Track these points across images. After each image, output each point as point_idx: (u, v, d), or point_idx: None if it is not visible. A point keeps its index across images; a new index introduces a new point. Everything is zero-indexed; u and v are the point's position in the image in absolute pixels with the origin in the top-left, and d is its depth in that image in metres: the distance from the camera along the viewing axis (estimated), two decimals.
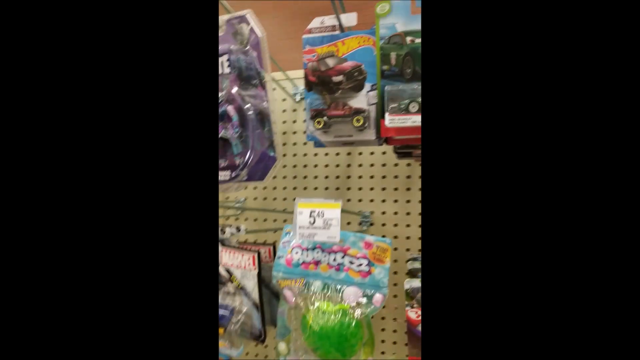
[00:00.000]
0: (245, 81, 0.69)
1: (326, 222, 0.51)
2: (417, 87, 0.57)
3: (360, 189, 0.92)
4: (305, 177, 0.96)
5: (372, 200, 0.91)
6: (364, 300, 0.59)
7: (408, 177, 0.89)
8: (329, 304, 0.59)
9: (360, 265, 0.59)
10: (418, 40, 0.59)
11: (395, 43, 0.60)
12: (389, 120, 0.57)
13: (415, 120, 0.56)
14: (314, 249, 0.62)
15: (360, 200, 0.92)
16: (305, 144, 0.96)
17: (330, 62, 0.65)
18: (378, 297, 0.58)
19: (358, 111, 0.62)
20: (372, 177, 0.91)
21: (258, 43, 0.68)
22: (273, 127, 0.71)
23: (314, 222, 0.52)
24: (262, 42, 0.68)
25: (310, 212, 0.52)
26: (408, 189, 0.89)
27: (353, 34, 0.65)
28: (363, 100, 0.63)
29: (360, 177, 0.92)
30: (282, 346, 0.62)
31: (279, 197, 0.99)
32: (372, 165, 0.91)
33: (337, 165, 0.94)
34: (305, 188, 0.96)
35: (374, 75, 0.63)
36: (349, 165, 0.94)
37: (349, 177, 0.93)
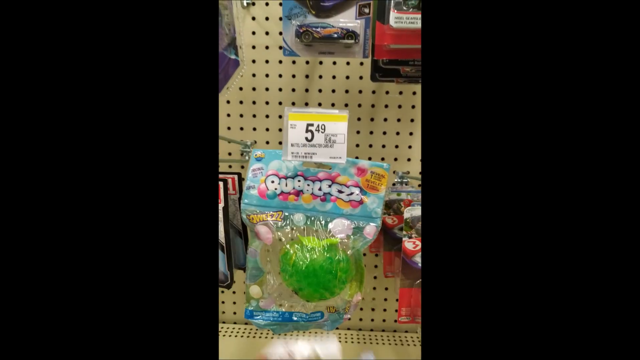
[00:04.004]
0: None
1: (329, 138, 0.41)
2: None
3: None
4: (267, 89, 0.81)
5: None
6: (353, 233, 0.52)
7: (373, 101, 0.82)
8: (315, 239, 0.51)
9: (351, 194, 0.51)
10: None
11: None
12: (396, 19, 0.47)
13: None
14: (294, 176, 0.51)
15: None
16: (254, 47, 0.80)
17: None
18: (370, 228, 0.52)
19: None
20: (333, 104, 0.82)
21: None
22: (235, 24, 0.55)
23: (311, 137, 0.41)
24: None
25: (307, 126, 0.41)
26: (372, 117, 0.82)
27: None
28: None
29: (320, 90, 0.81)
30: (255, 289, 0.53)
31: (233, 115, 0.83)
32: (333, 91, 0.81)
33: (306, 77, 0.81)
34: (267, 102, 0.82)
35: None
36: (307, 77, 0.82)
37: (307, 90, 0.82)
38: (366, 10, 0.56)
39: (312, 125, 0.41)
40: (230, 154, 0.85)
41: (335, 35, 0.56)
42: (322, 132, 0.41)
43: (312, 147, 0.42)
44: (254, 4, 0.78)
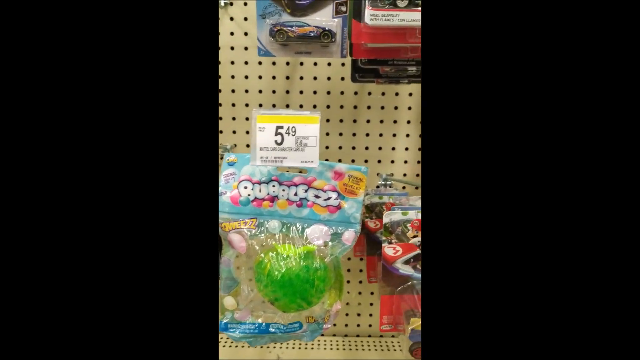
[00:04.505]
0: None
1: (300, 141, 0.39)
2: None
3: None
4: (246, 91, 0.79)
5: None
6: (332, 239, 0.50)
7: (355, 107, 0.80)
8: (291, 247, 0.49)
9: (328, 199, 0.49)
10: None
11: None
12: (371, 16, 0.45)
13: (404, 18, 0.45)
14: (269, 181, 0.49)
15: None
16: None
17: None
18: (349, 234, 0.50)
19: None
20: (314, 106, 0.80)
21: None
22: None
23: (281, 141, 0.39)
24: None
25: (277, 128, 0.39)
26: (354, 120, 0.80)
27: None
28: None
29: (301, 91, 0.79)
30: (229, 301, 0.50)
31: None
32: (314, 92, 0.79)
33: (288, 78, 0.79)
34: (247, 105, 0.79)
35: None
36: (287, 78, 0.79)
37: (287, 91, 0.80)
38: (343, 9, 0.54)
39: (281, 127, 0.39)
40: None
41: (312, 34, 0.54)
42: (292, 134, 0.39)
43: (282, 150, 0.40)
44: (231, 4, 0.76)
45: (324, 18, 0.55)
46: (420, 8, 0.45)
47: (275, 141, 0.39)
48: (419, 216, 0.51)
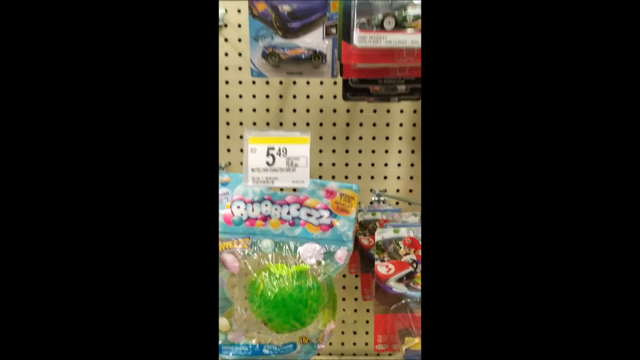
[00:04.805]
0: None
1: (290, 162, 0.39)
2: None
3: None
4: (240, 109, 0.80)
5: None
6: (324, 257, 0.50)
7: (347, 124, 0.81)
8: (284, 266, 0.49)
9: (321, 217, 0.49)
10: None
11: None
12: (359, 38, 0.46)
13: (391, 40, 0.46)
14: (261, 201, 0.49)
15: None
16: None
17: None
18: (341, 252, 0.50)
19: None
20: (307, 124, 0.81)
21: None
22: None
23: (272, 162, 0.39)
24: None
25: (268, 149, 0.39)
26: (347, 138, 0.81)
27: None
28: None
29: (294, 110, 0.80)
30: (222, 322, 0.50)
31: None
32: (307, 110, 0.80)
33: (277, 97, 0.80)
34: (241, 123, 0.80)
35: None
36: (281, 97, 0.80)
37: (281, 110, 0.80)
38: (333, 31, 0.56)
39: (272, 148, 0.40)
40: None
41: (303, 57, 0.55)
42: (283, 155, 0.40)
43: (274, 171, 0.40)
44: (226, 25, 0.78)
45: (315, 40, 0.56)
46: (406, 30, 0.46)
47: (267, 162, 0.40)
48: (411, 233, 0.51)
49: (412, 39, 0.45)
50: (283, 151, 0.40)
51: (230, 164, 0.82)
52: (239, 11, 0.76)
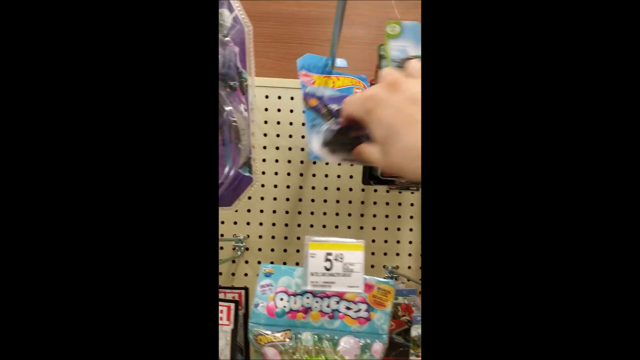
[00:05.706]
0: (221, 80, 0.56)
1: (346, 267, 0.43)
2: None
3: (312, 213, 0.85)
4: (263, 185, 0.84)
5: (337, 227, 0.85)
6: (361, 350, 0.52)
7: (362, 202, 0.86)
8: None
9: (359, 310, 0.52)
10: None
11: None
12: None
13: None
14: (303, 294, 0.52)
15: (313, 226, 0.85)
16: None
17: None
18: (377, 346, 0.52)
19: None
20: (325, 200, 0.85)
21: (243, 37, 0.56)
22: (251, 140, 0.59)
23: (330, 267, 0.43)
24: (247, 37, 0.56)
25: (326, 255, 0.43)
26: (362, 215, 0.86)
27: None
28: None
29: (312, 200, 0.85)
30: None
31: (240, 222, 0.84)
32: (325, 188, 0.85)
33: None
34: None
35: None
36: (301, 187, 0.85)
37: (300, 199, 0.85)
38: None
39: (330, 254, 0.43)
40: (222, 248, 0.84)
41: None
42: (340, 261, 0.44)
43: (331, 276, 0.43)
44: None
45: None
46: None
47: (325, 267, 0.43)
48: (406, 301, 0.57)
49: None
50: (340, 257, 0.44)
51: (248, 236, 0.84)
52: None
